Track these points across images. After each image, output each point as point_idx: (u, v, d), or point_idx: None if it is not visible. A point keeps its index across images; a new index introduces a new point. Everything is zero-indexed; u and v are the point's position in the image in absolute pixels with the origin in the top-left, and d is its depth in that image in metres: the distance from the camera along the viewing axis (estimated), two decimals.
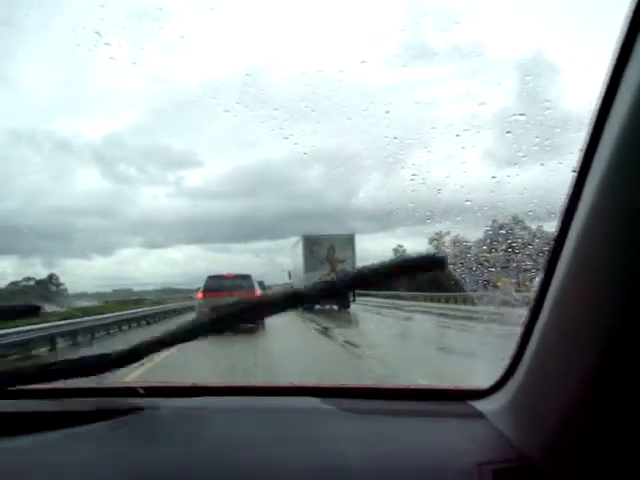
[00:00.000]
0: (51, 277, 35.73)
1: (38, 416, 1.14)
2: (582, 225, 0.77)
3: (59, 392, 1.31)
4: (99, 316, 14.82)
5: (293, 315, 24.75)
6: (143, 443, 1.06)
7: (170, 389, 1.36)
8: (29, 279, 34.42)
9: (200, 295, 14.94)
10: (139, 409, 1.16)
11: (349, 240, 24.12)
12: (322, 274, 24.31)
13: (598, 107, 0.76)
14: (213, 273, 15.71)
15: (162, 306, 24.72)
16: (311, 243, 23.88)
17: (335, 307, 22.91)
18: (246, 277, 15.27)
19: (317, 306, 23.41)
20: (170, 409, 1.21)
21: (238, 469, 0.95)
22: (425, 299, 25.66)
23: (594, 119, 0.76)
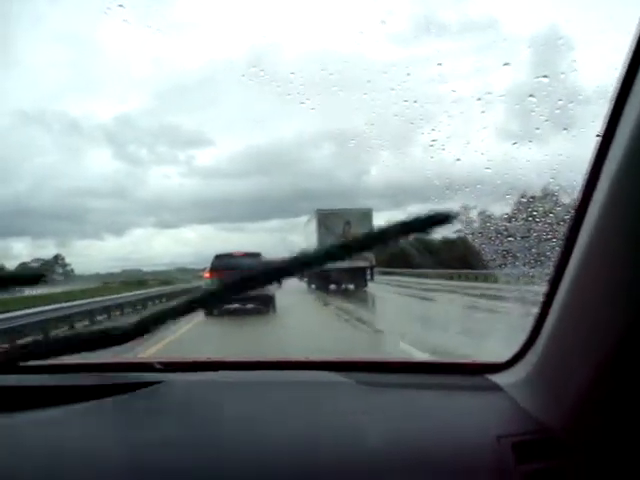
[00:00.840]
0: (57, 258, 36.46)
1: (58, 390, 1.19)
2: (605, 193, 0.79)
3: (77, 367, 1.39)
4: (88, 300, 14.11)
5: (305, 294, 24.93)
6: (160, 416, 1.11)
7: (186, 364, 1.39)
8: (38, 260, 35.25)
9: (207, 275, 14.55)
10: (156, 383, 1.20)
11: (366, 215, 23.30)
12: None
13: (624, 73, 0.77)
14: (220, 252, 15.14)
15: (169, 287, 23.97)
16: (325, 219, 23.14)
17: (351, 286, 22.29)
18: (255, 255, 14.53)
19: (332, 286, 22.99)
20: (187, 383, 1.26)
21: (255, 442, 0.97)
22: (449, 277, 25.31)
23: (619, 84, 0.78)
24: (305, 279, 29.37)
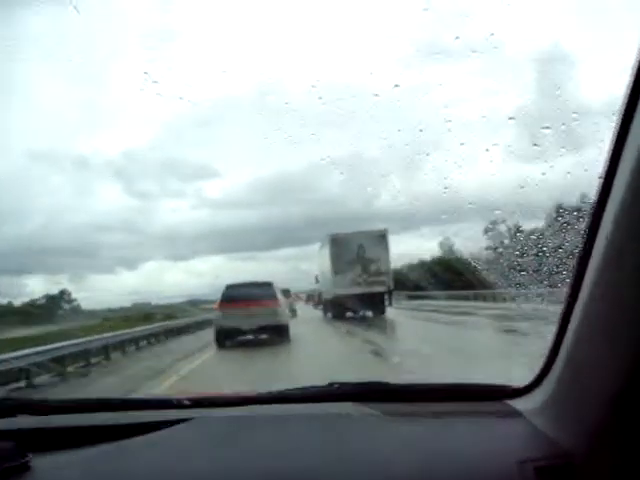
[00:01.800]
0: (62, 293, 36.81)
1: (89, 430, 1.28)
2: (615, 214, 0.81)
3: (107, 405, 1.50)
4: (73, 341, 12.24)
5: (324, 325, 23.96)
6: (193, 452, 1.17)
7: (213, 399, 1.53)
8: (45, 297, 35.72)
9: (218, 306, 14.66)
10: (186, 420, 1.29)
11: (381, 237, 22.76)
12: (353, 276, 22.26)
13: (628, 94, 0.81)
14: (231, 282, 15.33)
15: (176, 321, 23.04)
16: (338, 243, 22.69)
17: (369, 313, 21.58)
18: (267, 285, 14.99)
19: (348, 313, 22.33)
20: (216, 419, 1.36)
21: (285, 477, 1.04)
22: (490, 298, 23.66)
23: (624, 106, 0.82)
24: (320, 307, 29.28)
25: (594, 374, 0.90)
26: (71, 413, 1.44)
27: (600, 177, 0.87)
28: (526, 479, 0.97)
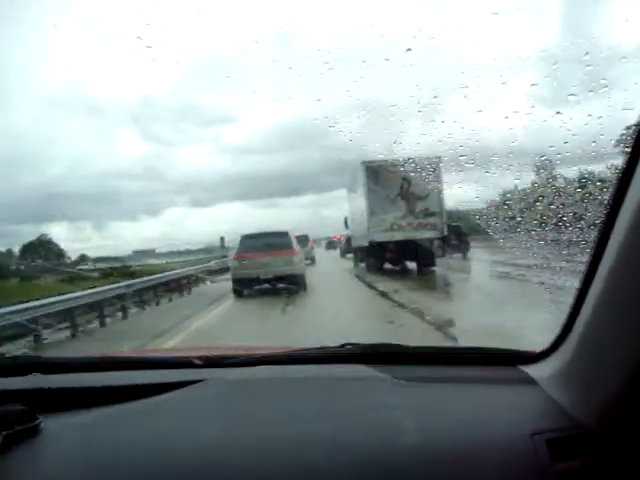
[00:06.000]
0: (40, 239, 36.19)
1: (98, 390, 1.40)
2: None
3: (115, 364, 1.70)
4: None
5: (350, 277, 22.00)
6: (203, 416, 1.30)
7: (224, 359, 1.67)
8: (26, 245, 36.07)
9: (234, 256, 17.25)
10: (197, 381, 1.42)
11: (432, 167, 21.69)
12: (394, 218, 19.81)
13: None
14: (248, 232, 17.90)
15: (139, 280, 17.26)
16: (376, 175, 20.31)
17: (414, 266, 19.27)
18: (283, 234, 17.48)
19: (387, 264, 20.19)
20: (227, 381, 1.49)
21: (295, 440, 1.16)
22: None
23: None
24: (350, 255, 28.99)
25: (612, 343, 0.96)
26: (79, 372, 1.58)
27: (636, 125, 0.90)
28: (538, 451, 1.05)
